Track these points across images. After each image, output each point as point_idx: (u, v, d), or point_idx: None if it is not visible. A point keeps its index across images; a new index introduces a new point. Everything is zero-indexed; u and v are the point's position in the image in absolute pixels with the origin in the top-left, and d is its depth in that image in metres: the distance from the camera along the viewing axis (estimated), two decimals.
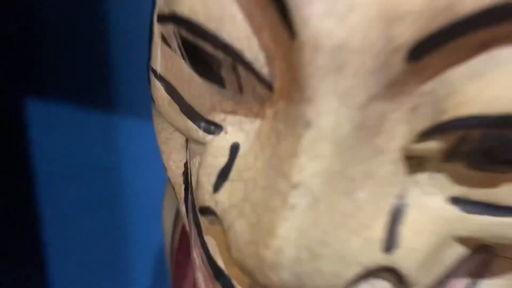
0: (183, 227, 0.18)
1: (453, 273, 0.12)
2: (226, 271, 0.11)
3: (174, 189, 0.15)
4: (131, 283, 0.50)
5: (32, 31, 0.42)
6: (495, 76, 0.08)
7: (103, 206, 0.47)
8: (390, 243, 0.09)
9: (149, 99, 0.34)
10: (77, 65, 0.42)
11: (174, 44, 0.12)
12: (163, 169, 0.31)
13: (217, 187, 0.11)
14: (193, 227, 0.12)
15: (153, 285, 0.50)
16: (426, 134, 0.09)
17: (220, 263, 0.11)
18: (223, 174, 0.11)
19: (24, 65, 0.44)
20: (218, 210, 0.10)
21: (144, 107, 0.39)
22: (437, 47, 0.08)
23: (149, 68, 0.13)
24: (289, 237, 0.09)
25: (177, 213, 0.19)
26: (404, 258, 0.09)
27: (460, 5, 0.07)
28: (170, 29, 0.11)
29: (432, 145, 0.09)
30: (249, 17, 0.09)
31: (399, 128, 0.09)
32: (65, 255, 0.52)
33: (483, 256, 0.12)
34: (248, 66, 0.10)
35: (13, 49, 0.43)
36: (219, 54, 0.10)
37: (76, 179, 0.46)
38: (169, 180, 0.19)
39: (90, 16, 0.40)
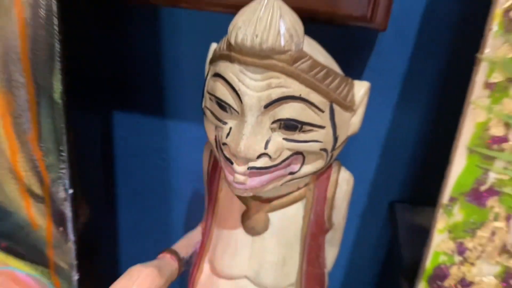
0: (214, 159, 0.42)
1: (291, 161, 0.35)
2: (230, 158, 0.35)
3: (211, 145, 0.38)
4: (174, 210, 0.65)
5: (119, 70, 0.56)
6: (286, 109, 0.33)
7: (158, 173, 0.62)
8: (266, 147, 0.34)
9: (190, 111, 0.61)
10: (146, 88, 0.57)
11: (213, 99, 0.36)
12: (194, 151, 0.59)
13: (226, 137, 0.35)
14: (220, 152, 0.37)
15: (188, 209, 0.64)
16: (273, 123, 0.33)
17: (228, 155, 0.35)
18: (227, 134, 0.34)
19: (110, 88, 0.57)
20: (227, 142, 0.34)
21: (186, 115, 0.57)
22: (270, 105, 0.32)
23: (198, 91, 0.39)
24: (242, 145, 0.33)
25: (210, 155, 0.42)
26: (270, 151, 0.34)
27: (273, 95, 0.32)
28: (212, 97, 0.35)
29: (275, 125, 0.34)
30: (232, 96, 0.33)
31: (267, 121, 0.33)
32: (132, 202, 0.66)
33: (301, 156, 0.36)
34: (233, 108, 0.34)
35: (103, 76, 0.56)
36: (225, 105, 0.34)
37: (141, 157, 0.62)
38: (207, 144, 0.43)
39: (157, 56, 0.54)
